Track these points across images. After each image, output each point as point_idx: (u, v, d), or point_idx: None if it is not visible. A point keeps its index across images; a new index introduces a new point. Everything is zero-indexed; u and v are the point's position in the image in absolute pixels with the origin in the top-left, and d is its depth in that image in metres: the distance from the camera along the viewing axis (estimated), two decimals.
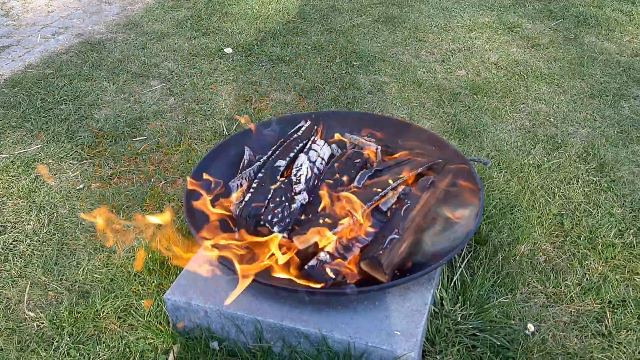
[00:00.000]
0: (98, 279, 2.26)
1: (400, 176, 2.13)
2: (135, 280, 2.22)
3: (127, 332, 2.04)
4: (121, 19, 4.56)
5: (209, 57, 3.93)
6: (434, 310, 1.95)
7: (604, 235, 2.37)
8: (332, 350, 1.77)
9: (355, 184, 2.10)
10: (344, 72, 3.70)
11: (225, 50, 4.02)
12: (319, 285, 1.77)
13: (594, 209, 2.52)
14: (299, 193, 2.08)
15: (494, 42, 4.04)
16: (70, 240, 2.46)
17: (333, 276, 1.82)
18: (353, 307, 1.83)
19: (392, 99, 3.39)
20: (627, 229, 2.40)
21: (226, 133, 3.13)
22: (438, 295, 1.97)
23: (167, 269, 2.23)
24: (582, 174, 2.74)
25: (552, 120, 3.17)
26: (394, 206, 2.06)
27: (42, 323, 2.09)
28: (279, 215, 1.97)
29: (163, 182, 2.79)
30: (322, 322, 1.79)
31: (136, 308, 2.11)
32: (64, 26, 4.45)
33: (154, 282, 2.19)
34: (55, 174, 2.86)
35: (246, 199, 2.03)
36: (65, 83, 3.62)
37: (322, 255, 1.86)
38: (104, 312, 2.11)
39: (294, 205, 2.03)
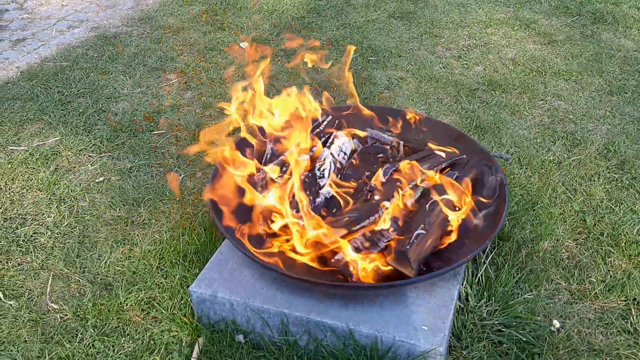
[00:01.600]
0: (120, 271, 2.27)
1: (424, 171, 2.12)
2: (158, 273, 2.22)
3: (151, 325, 2.04)
4: (136, 12, 4.56)
5: (224, 52, 3.92)
6: (459, 305, 1.94)
7: (626, 233, 2.36)
8: (359, 344, 1.77)
9: (379, 178, 2.09)
10: (360, 67, 3.69)
11: (241, 45, 4.01)
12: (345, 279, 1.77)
13: (616, 206, 2.51)
14: (323, 187, 2.08)
15: (510, 38, 4.02)
16: (91, 233, 2.47)
17: (359, 270, 1.81)
18: (379, 301, 1.83)
19: (409, 95, 3.38)
20: None
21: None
22: (463, 290, 1.97)
23: (191, 262, 2.23)
24: (603, 170, 2.72)
25: (571, 116, 3.16)
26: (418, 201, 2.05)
27: (66, 315, 2.09)
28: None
29: (182, 175, 2.79)
30: (349, 316, 1.79)
31: (159, 301, 2.11)
32: (78, 20, 4.45)
33: (177, 275, 2.19)
34: (74, 167, 2.86)
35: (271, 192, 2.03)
36: (82, 76, 3.62)
37: (348, 249, 1.85)
38: (127, 304, 2.11)
39: (318, 200, 2.03)
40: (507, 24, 4.22)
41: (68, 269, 2.29)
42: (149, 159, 2.92)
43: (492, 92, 3.38)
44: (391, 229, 1.94)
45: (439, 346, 1.69)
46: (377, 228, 1.91)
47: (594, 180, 2.66)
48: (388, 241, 1.91)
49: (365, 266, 1.80)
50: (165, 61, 3.82)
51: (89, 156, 2.94)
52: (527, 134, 3.01)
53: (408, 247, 1.79)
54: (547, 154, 2.85)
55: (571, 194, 2.58)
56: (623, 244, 2.30)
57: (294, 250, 1.90)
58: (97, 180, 2.77)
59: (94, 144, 3.02)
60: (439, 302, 1.83)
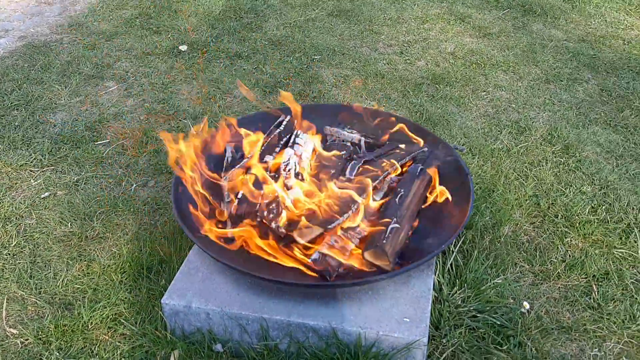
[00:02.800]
0: (80, 289, 2.16)
1: (390, 166, 2.13)
2: (122, 288, 2.13)
3: (120, 342, 1.95)
4: (65, 19, 4.36)
5: (164, 56, 3.82)
6: (434, 295, 1.96)
7: (579, 213, 2.46)
8: (342, 342, 1.76)
9: (347, 175, 2.09)
10: (305, 66, 3.68)
11: (180, 47, 3.91)
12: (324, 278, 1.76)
13: (566, 188, 2.62)
14: (291, 188, 2.05)
15: (447, 32, 4.12)
16: (43, 252, 2.33)
17: (336, 268, 1.80)
18: (358, 297, 1.82)
19: (357, 92, 3.40)
20: (600, 206, 2.50)
21: (194, 133, 3.04)
22: (437, 280, 2.00)
23: (156, 273, 2.15)
24: (550, 155, 2.83)
25: (514, 106, 3.27)
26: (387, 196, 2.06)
27: (27, 339, 1.97)
28: (274, 211, 1.94)
29: (134, 185, 2.69)
30: (330, 315, 1.77)
31: (127, 316, 2.02)
32: (3, 29, 4.21)
33: (142, 288, 2.10)
34: (15, 183, 2.70)
35: (239, 196, 1.98)
36: (14, 88, 3.43)
37: (324, 248, 1.84)
38: (92, 323, 2.01)
39: (287, 200, 2.00)
40: (443, 19, 4.33)
41: (23, 291, 2.16)
42: (96, 170, 2.79)
43: (437, 86, 3.45)
44: (364, 225, 1.94)
45: (422, 337, 1.71)
46: (350, 225, 1.91)
47: (543, 165, 2.77)
48: (362, 237, 1.92)
49: (343, 263, 1.80)
50: (102, 68, 3.67)
51: (31, 171, 2.79)
52: (475, 124, 3.10)
53: (384, 241, 1.80)
54: (496, 143, 2.93)
55: (523, 180, 2.67)
56: (577, 224, 2.40)
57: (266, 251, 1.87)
58: (42, 196, 2.63)
59: (34, 158, 2.86)
60: (416, 294, 1.85)
